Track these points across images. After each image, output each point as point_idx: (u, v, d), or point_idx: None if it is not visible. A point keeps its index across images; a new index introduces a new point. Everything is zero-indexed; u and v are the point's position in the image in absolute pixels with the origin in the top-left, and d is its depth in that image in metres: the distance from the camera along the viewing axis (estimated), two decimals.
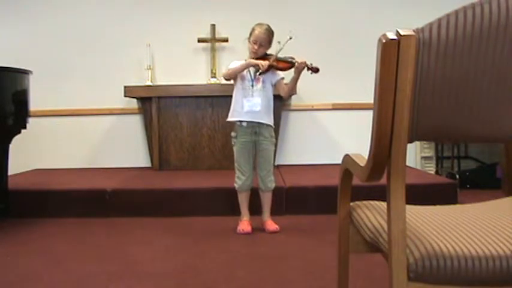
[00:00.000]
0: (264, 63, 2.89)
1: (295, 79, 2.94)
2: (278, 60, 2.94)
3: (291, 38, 2.89)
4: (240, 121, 2.96)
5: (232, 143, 3.02)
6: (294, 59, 2.92)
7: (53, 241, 2.84)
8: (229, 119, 3.01)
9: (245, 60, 3.01)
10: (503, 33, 0.88)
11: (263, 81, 2.97)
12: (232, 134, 3.02)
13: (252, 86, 2.95)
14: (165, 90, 4.52)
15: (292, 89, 3.04)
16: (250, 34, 2.97)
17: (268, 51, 3.01)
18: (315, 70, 2.90)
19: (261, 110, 2.93)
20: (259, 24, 2.97)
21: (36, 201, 3.49)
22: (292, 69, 2.93)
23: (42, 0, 4.85)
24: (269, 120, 2.98)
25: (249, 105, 2.92)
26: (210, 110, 4.56)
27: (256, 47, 2.94)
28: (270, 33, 2.97)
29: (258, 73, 2.92)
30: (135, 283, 2.10)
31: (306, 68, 2.89)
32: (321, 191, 3.45)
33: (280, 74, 3.04)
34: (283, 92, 3.05)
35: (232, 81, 3.05)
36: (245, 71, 2.97)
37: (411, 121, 0.94)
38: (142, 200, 3.49)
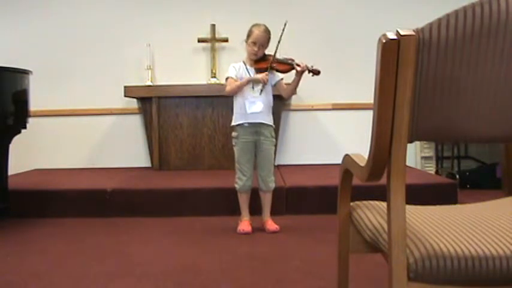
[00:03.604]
0: (266, 78, 2.90)
1: (297, 81, 2.96)
2: (278, 62, 2.96)
3: (285, 24, 2.82)
4: (242, 122, 2.97)
5: (233, 143, 3.02)
6: (293, 60, 2.94)
7: (53, 241, 2.84)
8: (234, 123, 3.02)
9: (243, 62, 3.05)
10: (503, 33, 0.88)
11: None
12: (233, 134, 3.02)
13: (253, 87, 2.96)
14: (165, 90, 4.52)
15: (293, 90, 3.06)
16: (248, 36, 2.96)
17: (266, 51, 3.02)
18: (316, 72, 2.94)
19: (263, 111, 2.95)
20: (257, 25, 2.96)
21: (36, 201, 3.49)
22: (292, 71, 2.96)
23: (42, 0, 4.85)
24: (270, 120, 3.00)
25: (251, 106, 2.93)
26: (210, 110, 4.56)
27: (256, 49, 2.94)
28: (268, 33, 2.97)
29: (261, 89, 2.91)
30: (135, 283, 2.10)
31: (307, 71, 2.91)
32: (321, 191, 3.45)
33: (280, 74, 3.05)
34: (284, 93, 3.10)
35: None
36: (244, 73, 2.99)
37: (411, 121, 0.94)
38: (142, 200, 3.49)
